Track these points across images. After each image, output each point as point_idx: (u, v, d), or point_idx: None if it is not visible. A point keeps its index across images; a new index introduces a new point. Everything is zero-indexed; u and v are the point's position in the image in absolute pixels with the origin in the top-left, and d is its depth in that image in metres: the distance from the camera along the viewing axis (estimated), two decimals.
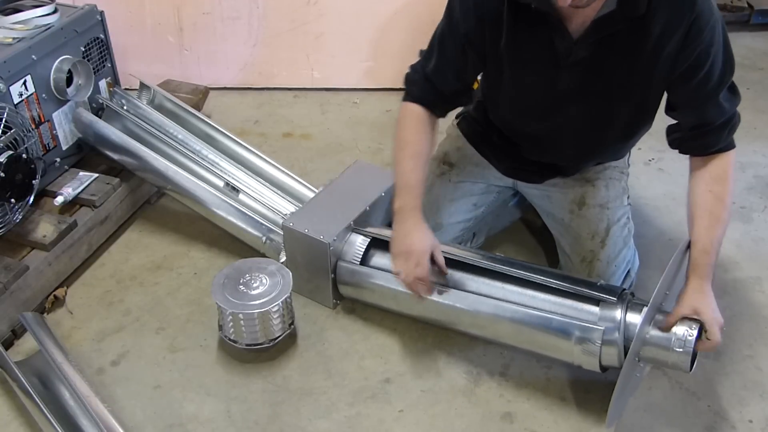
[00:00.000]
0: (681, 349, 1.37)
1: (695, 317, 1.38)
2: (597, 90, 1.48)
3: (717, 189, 1.46)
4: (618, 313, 1.45)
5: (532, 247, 1.99)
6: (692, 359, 1.39)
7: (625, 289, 1.52)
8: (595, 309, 1.48)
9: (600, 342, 1.43)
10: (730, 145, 1.49)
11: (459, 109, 1.86)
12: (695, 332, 1.37)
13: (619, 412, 1.49)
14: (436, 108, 1.62)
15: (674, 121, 1.54)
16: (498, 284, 1.58)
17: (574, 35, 1.40)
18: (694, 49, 1.37)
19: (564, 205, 1.74)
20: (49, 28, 1.85)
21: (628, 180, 1.79)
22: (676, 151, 1.55)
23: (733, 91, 1.46)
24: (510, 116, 1.65)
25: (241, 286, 1.61)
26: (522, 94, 1.56)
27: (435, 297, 1.58)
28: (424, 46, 1.60)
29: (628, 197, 1.77)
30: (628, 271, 1.73)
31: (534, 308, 1.51)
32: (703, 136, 1.47)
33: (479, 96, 1.76)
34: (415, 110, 1.60)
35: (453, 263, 1.61)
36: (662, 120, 1.57)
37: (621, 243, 1.70)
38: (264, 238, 1.84)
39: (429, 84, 1.58)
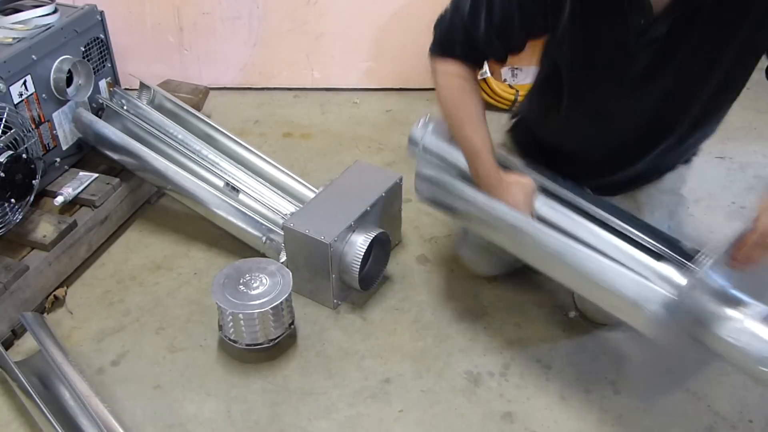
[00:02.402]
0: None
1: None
2: (674, 70, 1.30)
3: None
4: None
5: None
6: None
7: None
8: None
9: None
10: None
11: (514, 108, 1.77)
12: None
13: (663, 388, 1.35)
14: (478, 64, 1.50)
15: None
16: (594, 228, 1.43)
17: (654, 9, 1.22)
18: None
19: None
20: (49, 28, 1.85)
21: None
22: None
23: None
24: (571, 99, 1.49)
25: (241, 286, 1.61)
26: (584, 76, 1.40)
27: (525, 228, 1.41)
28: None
29: (672, 220, 1.63)
30: None
31: (622, 266, 1.31)
32: None
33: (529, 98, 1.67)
34: (457, 70, 1.46)
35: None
36: None
37: None
38: (264, 238, 1.84)
39: (474, 42, 1.44)
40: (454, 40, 1.45)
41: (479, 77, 2.48)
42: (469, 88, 1.47)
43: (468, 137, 1.47)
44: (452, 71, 1.47)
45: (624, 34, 1.28)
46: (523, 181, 1.47)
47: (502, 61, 1.50)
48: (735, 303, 1.23)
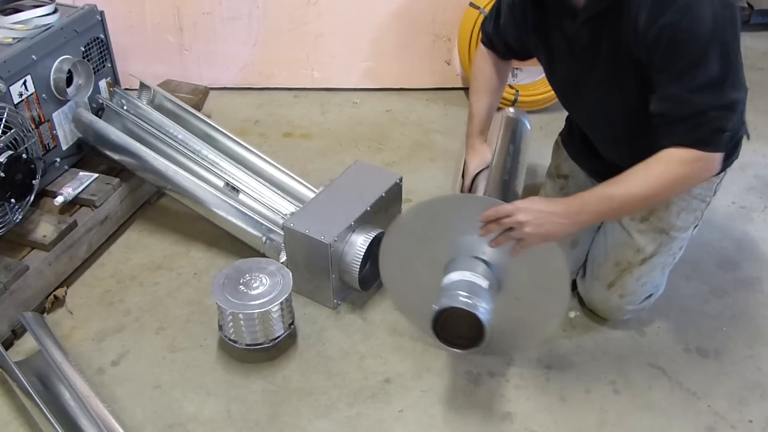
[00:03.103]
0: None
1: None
2: (604, 76, 1.44)
3: (651, 167, 1.32)
4: None
5: None
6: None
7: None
8: None
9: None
10: (702, 143, 1.31)
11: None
12: None
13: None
14: (497, 52, 1.77)
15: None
16: None
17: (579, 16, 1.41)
18: (656, 24, 1.26)
19: None
20: (49, 28, 1.85)
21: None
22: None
23: (720, 84, 1.30)
24: (557, 95, 1.72)
25: (241, 286, 1.61)
26: (552, 76, 1.64)
27: None
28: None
29: (696, 227, 1.66)
30: (650, 295, 1.71)
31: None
32: (665, 126, 1.33)
33: None
34: (483, 51, 1.79)
35: None
36: None
37: (659, 268, 1.66)
38: (264, 238, 1.84)
39: (488, 35, 1.76)
40: (483, 29, 1.80)
41: None
42: (487, 67, 1.78)
43: (472, 101, 1.80)
44: (481, 50, 1.80)
45: (566, 40, 1.49)
46: (483, 155, 1.77)
47: (511, 57, 1.77)
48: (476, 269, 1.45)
